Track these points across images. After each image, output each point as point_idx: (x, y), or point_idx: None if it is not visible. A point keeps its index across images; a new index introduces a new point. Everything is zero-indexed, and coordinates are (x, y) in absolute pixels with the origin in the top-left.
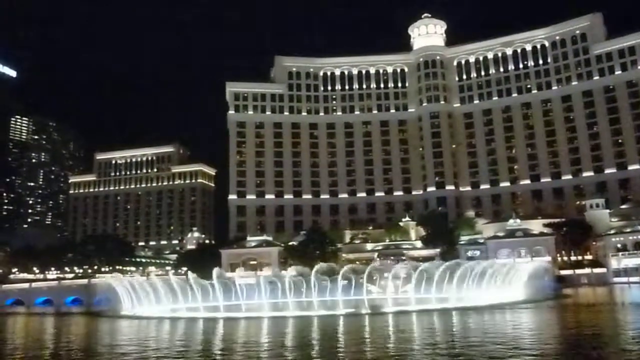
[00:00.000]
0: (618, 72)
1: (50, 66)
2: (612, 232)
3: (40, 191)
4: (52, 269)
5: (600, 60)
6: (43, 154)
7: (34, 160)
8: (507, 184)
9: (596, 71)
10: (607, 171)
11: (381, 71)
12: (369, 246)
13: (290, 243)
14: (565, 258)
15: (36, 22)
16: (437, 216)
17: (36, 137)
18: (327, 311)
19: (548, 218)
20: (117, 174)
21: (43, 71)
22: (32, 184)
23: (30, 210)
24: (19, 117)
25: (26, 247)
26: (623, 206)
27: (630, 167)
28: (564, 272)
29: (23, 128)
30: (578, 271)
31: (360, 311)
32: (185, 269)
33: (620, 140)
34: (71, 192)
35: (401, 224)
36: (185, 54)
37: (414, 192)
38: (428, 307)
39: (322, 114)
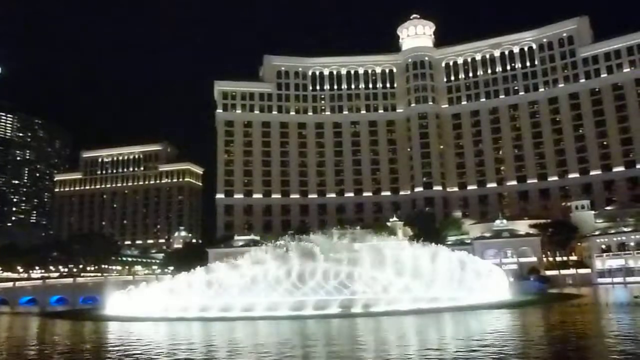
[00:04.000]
0: (604, 75)
1: (36, 63)
2: (597, 233)
3: (25, 189)
4: (37, 268)
5: (587, 63)
6: (28, 151)
7: (18, 158)
8: (494, 184)
9: (582, 74)
10: (592, 173)
11: (370, 71)
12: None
13: (278, 243)
14: (551, 259)
15: (21, 18)
16: (425, 216)
17: (21, 134)
18: (316, 311)
19: (534, 219)
20: (104, 172)
21: (28, 68)
22: (16, 182)
23: (14, 209)
24: (3, 114)
25: (10, 245)
26: (608, 208)
27: (615, 169)
28: (549, 273)
29: (7, 125)
30: (563, 272)
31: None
32: (172, 268)
33: (605, 143)
34: (57, 190)
35: (389, 224)
36: (173, 52)
37: (401, 193)
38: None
39: (310, 113)
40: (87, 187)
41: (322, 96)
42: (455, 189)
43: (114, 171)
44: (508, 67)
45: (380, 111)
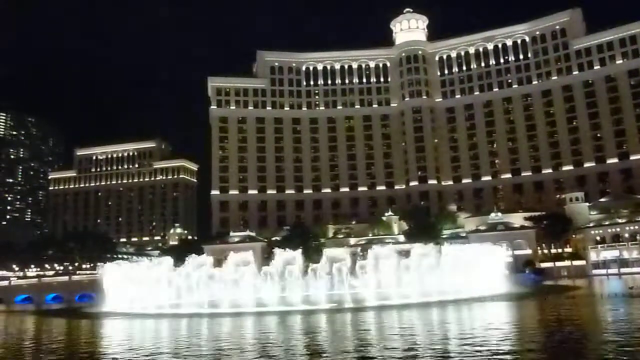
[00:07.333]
0: (597, 67)
1: (29, 61)
2: (591, 225)
3: (19, 187)
4: (32, 266)
5: (580, 55)
6: (22, 149)
7: (12, 156)
8: (489, 178)
9: (575, 66)
10: (586, 165)
11: (364, 66)
12: (352, 241)
13: (274, 238)
14: (546, 251)
15: (14, 16)
16: (420, 210)
17: (14, 132)
18: (310, 306)
19: (529, 211)
20: (98, 169)
21: (21, 66)
22: (10, 180)
23: (9, 207)
24: None
25: (5, 244)
26: (602, 199)
27: (609, 161)
28: (544, 265)
29: (0, 123)
30: (558, 264)
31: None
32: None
33: (599, 135)
34: (51, 188)
35: (384, 218)
36: (167, 48)
37: (396, 187)
38: (409, 302)
39: (304, 108)
40: (82, 185)
41: (316, 91)
42: (450, 182)
43: (109, 168)
44: (501, 60)
45: (375, 106)
